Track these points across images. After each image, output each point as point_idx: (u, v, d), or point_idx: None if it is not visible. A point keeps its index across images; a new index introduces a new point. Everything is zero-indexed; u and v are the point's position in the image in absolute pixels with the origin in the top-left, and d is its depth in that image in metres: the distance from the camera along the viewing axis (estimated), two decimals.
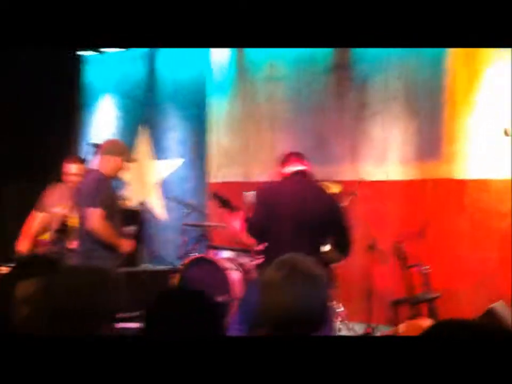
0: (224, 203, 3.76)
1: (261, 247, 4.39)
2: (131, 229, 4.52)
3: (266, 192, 3.61)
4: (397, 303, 4.18)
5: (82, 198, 4.00)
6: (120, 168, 4.12)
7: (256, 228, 3.54)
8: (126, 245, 4.10)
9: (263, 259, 3.66)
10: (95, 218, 3.85)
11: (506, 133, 4.17)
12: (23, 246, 4.54)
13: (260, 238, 3.67)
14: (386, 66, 5.45)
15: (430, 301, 4.12)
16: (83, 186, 4.09)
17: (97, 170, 4.09)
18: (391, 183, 5.24)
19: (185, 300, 1.68)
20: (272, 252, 3.27)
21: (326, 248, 3.79)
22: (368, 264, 4.43)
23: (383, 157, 5.38)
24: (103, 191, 3.94)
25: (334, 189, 4.90)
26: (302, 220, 3.42)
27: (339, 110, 5.69)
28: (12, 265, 4.75)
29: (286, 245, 3.23)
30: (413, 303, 3.98)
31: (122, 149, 4.24)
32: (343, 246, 3.59)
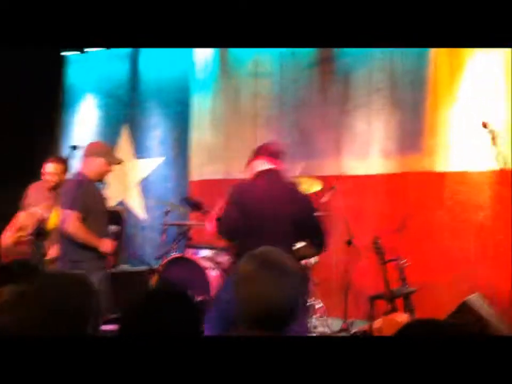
0: (194, 206, 3.70)
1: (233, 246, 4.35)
2: (112, 228, 4.46)
3: (236, 191, 3.50)
4: (374, 298, 4.09)
5: (62, 200, 3.96)
6: (104, 170, 4.05)
7: (226, 227, 3.46)
8: (107, 246, 4.04)
9: (235, 258, 3.58)
10: (71, 220, 3.80)
11: (484, 126, 4.07)
12: (5, 239, 4.50)
13: (230, 237, 3.60)
14: (369, 59, 5.37)
15: (407, 295, 4.02)
16: (63, 188, 4.05)
17: (79, 173, 4.03)
18: (372, 177, 5.16)
19: (164, 299, 1.66)
20: (244, 251, 3.21)
21: (300, 244, 3.73)
22: (346, 260, 4.34)
23: (366, 150, 5.29)
24: (83, 193, 3.86)
25: (315, 186, 4.82)
26: (273, 218, 3.34)
27: (323, 104, 5.62)
28: None
29: (258, 244, 3.17)
30: (389, 298, 3.88)
31: (106, 150, 4.17)
32: (317, 242, 3.54)
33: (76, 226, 3.80)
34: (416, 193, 4.89)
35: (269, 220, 3.33)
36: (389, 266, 4.01)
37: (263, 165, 3.47)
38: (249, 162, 3.57)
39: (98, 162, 3.98)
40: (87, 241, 3.87)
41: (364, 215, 5.00)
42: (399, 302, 3.97)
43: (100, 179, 4.09)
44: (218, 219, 3.53)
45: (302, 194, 3.58)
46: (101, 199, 4.12)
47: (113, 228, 4.45)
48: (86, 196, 3.88)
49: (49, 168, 4.51)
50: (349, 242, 4.40)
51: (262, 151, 3.52)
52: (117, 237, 5.07)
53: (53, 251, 4.24)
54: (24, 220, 4.60)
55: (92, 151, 4.06)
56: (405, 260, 4.08)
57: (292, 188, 3.55)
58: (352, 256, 4.30)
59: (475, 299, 3.57)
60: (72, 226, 3.79)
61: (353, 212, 4.89)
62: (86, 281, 1.86)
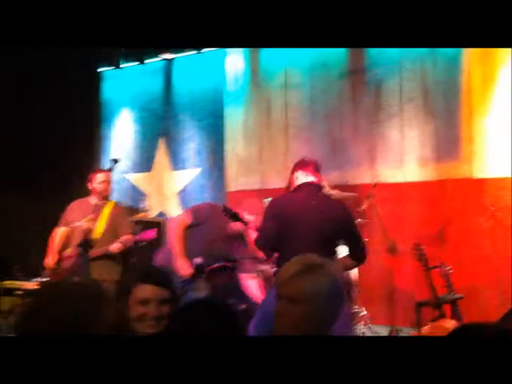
0: (233, 216, 3.78)
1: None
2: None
3: (275, 205, 3.54)
4: (420, 305, 4.15)
5: None
6: None
7: (264, 241, 3.50)
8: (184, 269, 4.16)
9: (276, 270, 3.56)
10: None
11: None
12: (49, 261, 4.63)
13: (267, 251, 3.61)
14: (401, 69, 5.45)
15: (453, 302, 4.07)
16: None
17: None
18: (410, 185, 5.22)
19: (207, 309, 1.69)
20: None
21: (342, 254, 3.79)
22: (389, 267, 4.39)
23: (401, 159, 5.36)
24: None
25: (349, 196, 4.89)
26: (313, 232, 3.36)
27: (355, 114, 5.69)
28: (38, 280, 4.85)
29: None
30: (436, 305, 3.93)
31: None
32: (357, 254, 3.54)
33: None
34: (455, 200, 4.94)
35: (309, 233, 3.34)
36: (433, 272, 4.05)
37: (302, 178, 3.51)
38: (290, 176, 3.62)
39: None
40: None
41: (404, 222, 5.06)
42: (446, 308, 4.01)
43: None
44: (257, 232, 3.58)
45: (342, 207, 3.56)
46: None
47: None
48: None
49: (101, 177, 4.62)
50: (391, 249, 4.46)
51: (301, 165, 3.58)
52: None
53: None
54: (69, 234, 4.73)
55: None
56: (450, 267, 4.13)
57: (331, 201, 3.59)
58: (395, 263, 4.36)
59: None
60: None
61: (392, 219, 4.95)
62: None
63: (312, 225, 3.35)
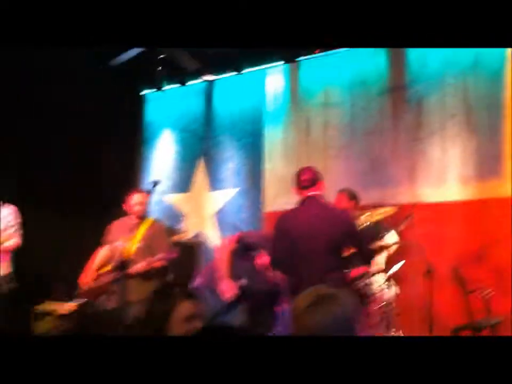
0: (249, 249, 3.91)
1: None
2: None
3: (280, 221, 3.69)
4: (458, 330, 3.99)
5: None
6: None
7: (276, 258, 3.63)
8: (227, 289, 4.23)
9: (291, 289, 3.61)
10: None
11: None
12: (83, 279, 4.70)
13: (281, 267, 3.71)
14: (442, 85, 5.33)
15: (493, 326, 3.89)
16: None
17: None
18: (450, 204, 5.05)
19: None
20: (301, 277, 3.42)
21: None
22: (427, 290, 4.24)
23: (442, 177, 5.21)
24: None
25: (387, 212, 4.77)
26: (322, 242, 3.50)
27: (395, 131, 5.59)
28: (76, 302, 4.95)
29: (314, 268, 3.43)
30: (475, 329, 3.78)
31: None
32: (365, 256, 3.77)
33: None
34: (497, 219, 4.74)
35: (318, 246, 3.47)
36: (472, 296, 3.90)
37: (302, 193, 3.69)
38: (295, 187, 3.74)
39: None
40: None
41: (443, 243, 4.89)
42: (485, 333, 3.85)
43: None
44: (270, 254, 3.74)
45: (343, 214, 3.76)
46: None
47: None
48: None
49: (136, 198, 4.68)
50: (429, 272, 4.31)
51: (298, 180, 3.73)
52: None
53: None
54: (110, 254, 4.81)
55: None
56: (489, 290, 3.97)
57: (332, 210, 3.74)
58: (433, 287, 4.20)
59: None
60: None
61: (432, 240, 4.80)
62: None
63: (320, 236, 3.49)
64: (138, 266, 4.45)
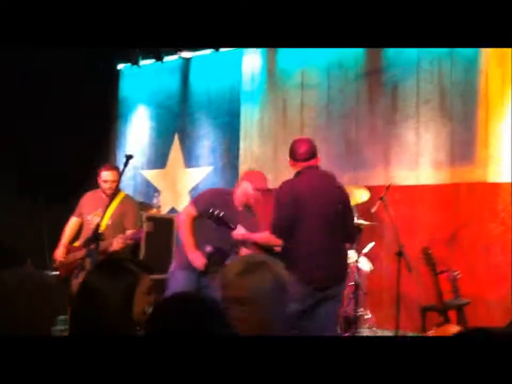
0: (218, 220, 3.71)
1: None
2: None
3: (290, 189, 3.54)
4: (425, 310, 4.09)
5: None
6: None
7: (283, 226, 3.46)
8: (198, 261, 4.07)
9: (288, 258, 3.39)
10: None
11: None
12: (58, 253, 4.68)
13: (286, 235, 3.50)
14: (418, 70, 5.38)
15: (459, 307, 4.00)
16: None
17: None
18: (423, 188, 5.15)
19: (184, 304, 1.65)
20: (303, 248, 3.39)
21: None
22: (396, 271, 4.34)
23: (415, 161, 5.30)
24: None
25: (363, 196, 4.84)
26: (327, 213, 3.47)
27: (371, 115, 5.65)
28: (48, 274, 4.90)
29: (317, 240, 3.40)
30: (441, 310, 3.87)
31: None
32: (350, 233, 3.71)
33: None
34: (468, 204, 4.86)
35: (323, 214, 3.45)
36: (441, 277, 4.00)
37: (301, 165, 3.57)
38: (292, 158, 3.64)
39: None
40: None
41: (415, 225, 5.00)
42: (451, 313, 3.95)
43: None
44: (272, 221, 3.50)
45: (341, 186, 3.70)
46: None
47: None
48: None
49: (107, 176, 4.65)
50: (400, 253, 4.39)
51: (294, 156, 3.61)
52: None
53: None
54: (74, 228, 4.79)
55: None
56: (458, 272, 4.07)
57: (332, 181, 3.66)
58: (403, 267, 4.30)
59: None
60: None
61: (404, 222, 4.88)
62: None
63: (322, 206, 3.45)
64: (115, 245, 4.42)
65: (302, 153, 3.57)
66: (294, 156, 3.61)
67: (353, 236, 3.74)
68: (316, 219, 3.43)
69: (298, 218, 3.43)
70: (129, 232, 4.48)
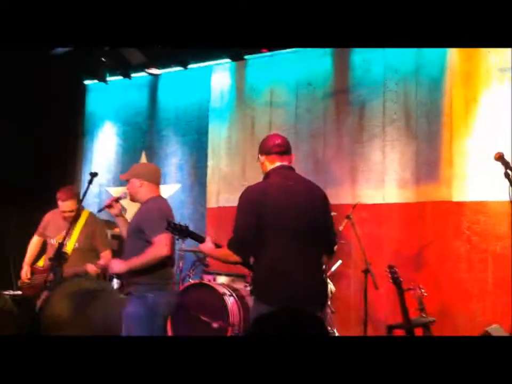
0: (188, 234, 3.28)
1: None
2: None
3: (252, 194, 3.03)
4: (392, 328, 4.10)
5: (151, 226, 3.63)
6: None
7: (244, 240, 2.97)
8: None
9: (255, 274, 3.08)
10: (167, 243, 3.61)
11: (498, 157, 3.73)
12: (23, 273, 4.60)
13: (246, 254, 3.04)
14: (384, 90, 5.47)
15: (425, 325, 4.02)
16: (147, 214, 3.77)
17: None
18: (389, 206, 5.20)
19: None
20: (272, 263, 2.94)
21: None
22: (363, 289, 4.35)
23: (381, 180, 5.35)
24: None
25: None
26: (298, 216, 2.99)
27: (338, 134, 5.70)
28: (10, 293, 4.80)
29: (288, 253, 2.95)
30: (408, 328, 3.88)
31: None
32: (331, 244, 3.21)
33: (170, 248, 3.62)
34: (433, 222, 4.92)
35: (294, 218, 2.98)
36: (407, 295, 4.01)
37: (273, 163, 3.11)
38: (261, 164, 3.19)
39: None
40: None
41: (381, 243, 5.03)
42: (417, 331, 3.97)
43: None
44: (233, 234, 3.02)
45: (319, 188, 3.21)
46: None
47: None
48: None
49: (64, 206, 4.48)
50: (366, 271, 4.42)
51: (267, 149, 3.15)
52: None
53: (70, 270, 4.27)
54: (38, 246, 4.70)
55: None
56: (423, 289, 4.10)
57: (309, 183, 3.19)
58: (370, 285, 4.31)
59: (495, 330, 3.58)
60: (168, 249, 3.59)
61: (370, 240, 4.92)
62: None
63: (295, 211, 2.99)
64: (92, 268, 4.35)
65: (277, 144, 3.12)
66: (266, 148, 3.15)
67: (333, 249, 3.20)
68: (285, 230, 2.95)
69: (264, 229, 2.94)
70: (103, 261, 4.43)
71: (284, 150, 3.14)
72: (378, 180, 5.36)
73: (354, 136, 5.58)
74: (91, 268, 4.36)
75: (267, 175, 3.13)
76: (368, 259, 4.48)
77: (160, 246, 3.56)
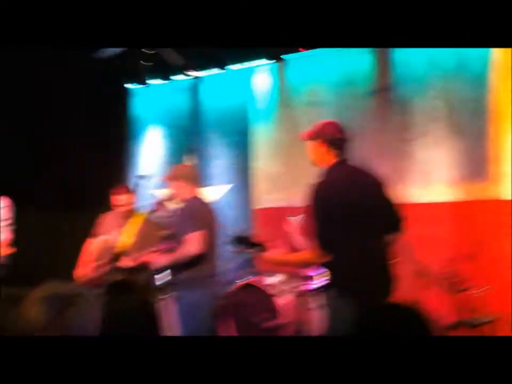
0: (251, 245, 3.44)
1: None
2: None
3: (325, 191, 3.09)
4: (450, 329, 4.13)
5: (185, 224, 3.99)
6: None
7: (326, 236, 3.00)
8: None
9: (331, 273, 3.10)
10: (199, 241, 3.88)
11: None
12: (81, 272, 4.71)
13: (329, 246, 3.06)
14: (428, 87, 5.44)
15: (484, 325, 4.04)
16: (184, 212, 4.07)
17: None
18: (438, 205, 5.20)
19: None
20: (358, 257, 3.02)
21: None
22: (418, 290, 4.37)
23: (428, 178, 5.35)
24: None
25: None
26: (364, 213, 3.07)
27: (382, 133, 5.70)
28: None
29: (369, 247, 3.06)
30: (466, 328, 3.91)
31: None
32: (393, 221, 3.30)
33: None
34: (484, 221, 4.91)
35: (362, 215, 3.06)
36: (461, 295, 4.04)
37: (333, 157, 3.19)
38: (318, 155, 3.23)
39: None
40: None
41: (432, 243, 5.03)
42: (473, 332, 3.98)
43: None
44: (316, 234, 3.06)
45: (372, 173, 3.35)
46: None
47: None
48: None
49: (121, 200, 4.70)
50: (420, 272, 4.44)
51: (330, 137, 3.20)
52: None
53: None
54: (96, 248, 4.83)
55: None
56: (479, 289, 4.11)
57: (362, 171, 3.33)
58: (424, 287, 4.34)
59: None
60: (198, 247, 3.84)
61: (421, 240, 4.93)
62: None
63: (361, 209, 3.06)
64: (125, 263, 4.47)
65: (335, 132, 3.22)
66: (329, 136, 3.20)
67: (398, 224, 3.26)
68: (353, 224, 3.03)
69: (344, 224, 3.00)
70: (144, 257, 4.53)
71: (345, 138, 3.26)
72: (425, 179, 5.36)
73: (398, 134, 5.57)
74: (124, 263, 4.46)
75: (329, 172, 3.15)
76: (420, 259, 4.50)
77: (190, 244, 3.75)
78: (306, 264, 3.32)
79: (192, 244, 3.85)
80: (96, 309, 1.73)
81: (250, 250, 3.46)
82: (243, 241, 3.50)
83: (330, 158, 3.21)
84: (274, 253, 3.35)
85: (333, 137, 3.24)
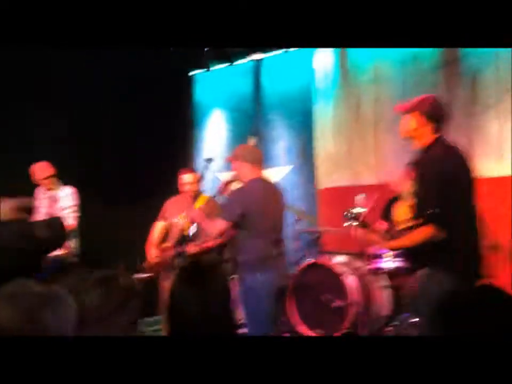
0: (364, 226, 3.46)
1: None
2: None
3: (439, 169, 3.01)
4: None
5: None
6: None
7: (448, 215, 2.95)
8: None
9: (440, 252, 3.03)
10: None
11: None
12: (150, 255, 4.84)
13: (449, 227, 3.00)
14: (496, 59, 5.24)
15: None
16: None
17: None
18: (509, 179, 5.01)
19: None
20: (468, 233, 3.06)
21: None
22: (492, 265, 4.24)
23: (499, 152, 5.16)
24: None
25: None
26: (471, 190, 3.22)
27: (450, 107, 5.52)
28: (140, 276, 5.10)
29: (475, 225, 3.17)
30: None
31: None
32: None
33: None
34: None
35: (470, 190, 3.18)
36: None
37: (431, 131, 3.06)
38: (415, 128, 3.11)
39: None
40: None
41: (503, 218, 4.86)
42: None
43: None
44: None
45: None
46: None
47: None
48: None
49: (187, 178, 4.78)
50: (494, 247, 4.30)
51: (437, 116, 3.07)
52: None
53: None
54: (167, 229, 4.94)
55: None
56: None
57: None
58: (498, 261, 4.20)
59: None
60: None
61: (494, 215, 4.77)
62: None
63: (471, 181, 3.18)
64: (209, 243, 4.56)
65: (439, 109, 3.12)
66: (436, 115, 3.10)
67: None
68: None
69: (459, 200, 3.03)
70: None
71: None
72: (496, 153, 5.17)
73: (467, 108, 5.40)
74: (208, 244, 4.55)
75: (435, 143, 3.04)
76: (491, 234, 4.35)
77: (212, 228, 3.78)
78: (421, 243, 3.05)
79: (213, 229, 3.92)
80: (73, 309, 1.65)
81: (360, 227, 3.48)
82: (356, 217, 3.50)
83: (428, 132, 3.10)
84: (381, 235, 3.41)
85: (433, 111, 3.14)
